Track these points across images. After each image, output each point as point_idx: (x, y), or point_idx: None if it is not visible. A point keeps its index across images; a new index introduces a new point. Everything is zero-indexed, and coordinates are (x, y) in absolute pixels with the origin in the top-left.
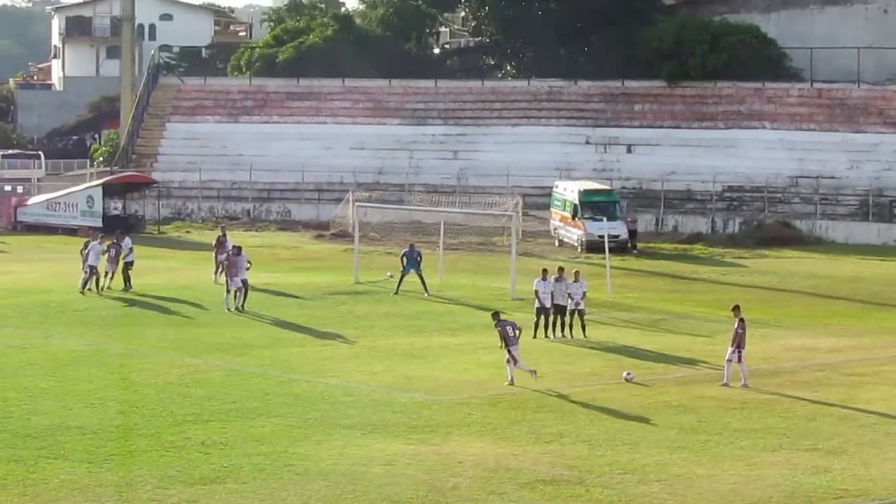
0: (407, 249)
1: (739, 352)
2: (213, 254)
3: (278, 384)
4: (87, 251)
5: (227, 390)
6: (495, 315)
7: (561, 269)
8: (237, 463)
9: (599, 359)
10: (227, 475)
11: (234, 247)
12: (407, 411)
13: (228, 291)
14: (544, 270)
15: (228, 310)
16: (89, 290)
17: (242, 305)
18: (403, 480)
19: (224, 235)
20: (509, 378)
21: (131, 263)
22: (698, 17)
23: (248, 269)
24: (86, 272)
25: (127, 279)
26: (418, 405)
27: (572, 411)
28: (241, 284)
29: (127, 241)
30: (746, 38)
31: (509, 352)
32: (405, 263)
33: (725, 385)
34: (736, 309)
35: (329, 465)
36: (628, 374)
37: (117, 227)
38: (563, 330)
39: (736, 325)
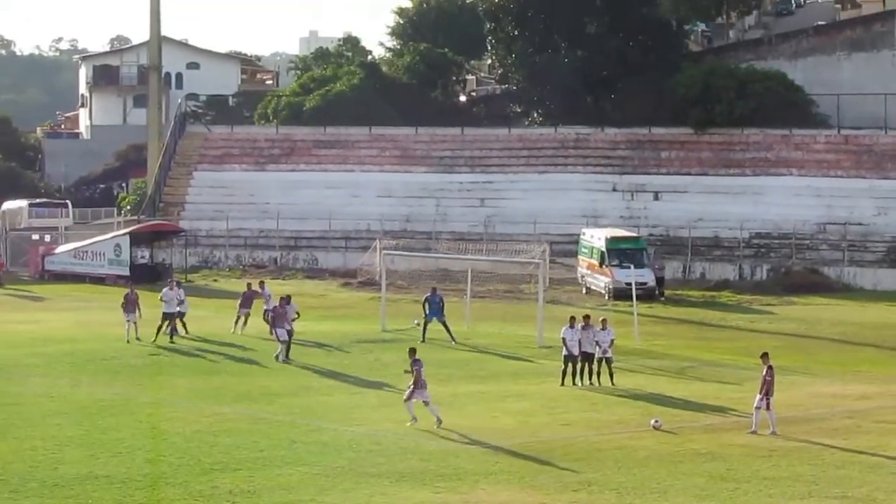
0: (429, 294)
1: (768, 399)
2: (237, 304)
3: (306, 432)
4: (162, 298)
5: (255, 439)
6: (412, 352)
7: (588, 317)
8: None
9: (627, 406)
10: None
11: (283, 297)
12: (435, 459)
13: (282, 342)
14: (572, 318)
15: (281, 360)
16: (167, 335)
17: (286, 356)
18: None
19: (262, 286)
20: (412, 417)
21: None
22: (725, 63)
23: (294, 319)
24: (166, 319)
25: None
26: (446, 453)
27: (600, 459)
28: (286, 336)
29: (267, 290)
30: (773, 84)
31: (413, 394)
32: (428, 310)
33: (754, 432)
34: (765, 356)
35: None
36: (656, 421)
37: (145, 276)
38: (590, 377)
39: (764, 373)
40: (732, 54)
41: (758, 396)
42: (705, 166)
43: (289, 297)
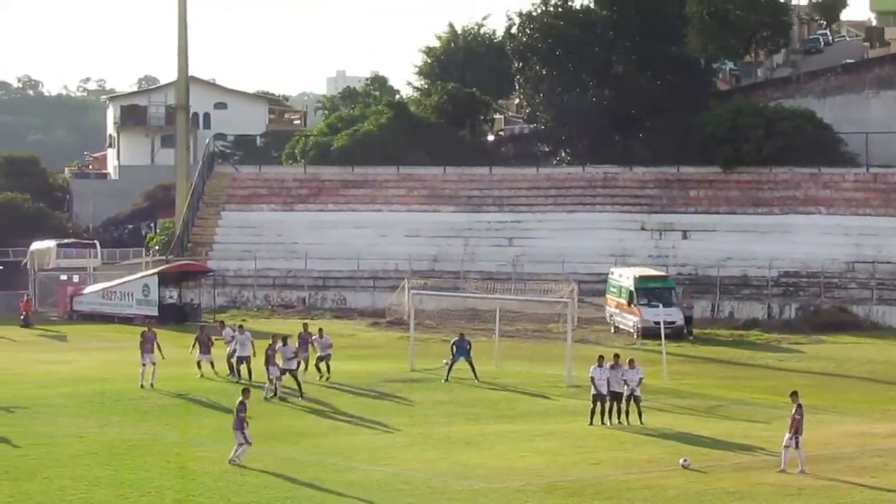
0: (457, 338)
1: (797, 438)
2: (265, 360)
3: (334, 472)
4: (229, 343)
5: (283, 479)
6: (245, 391)
7: (616, 357)
8: None
9: (656, 445)
10: None
11: (277, 336)
12: (463, 499)
13: (272, 379)
14: (600, 357)
15: (267, 397)
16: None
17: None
18: None
19: (222, 326)
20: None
21: (233, 353)
22: (753, 102)
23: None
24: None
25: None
26: (475, 493)
27: (630, 498)
28: (277, 373)
29: (228, 331)
30: (801, 123)
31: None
32: (455, 352)
33: (783, 471)
34: (794, 395)
35: None
36: (685, 460)
37: (173, 316)
38: (619, 416)
39: (794, 411)
40: (760, 93)
41: (787, 435)
42: (734, 205)
43: (285, 337)
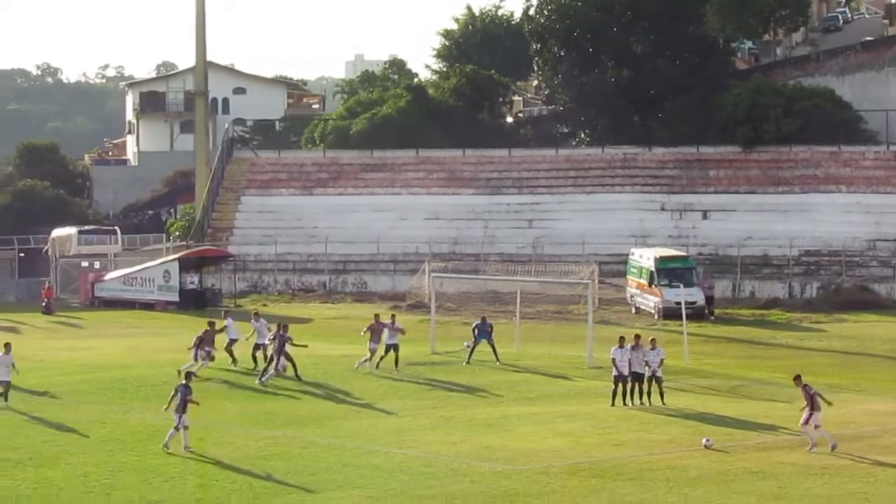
0: (479, 322)
1: (812, 414)
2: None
3: (357, 455)
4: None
5: (306, 462)
6: (187, 377)
7: (637, 337)
8: None
9: (678, 426)
10: None
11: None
12: (486, 481)
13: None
14: (621, 338)
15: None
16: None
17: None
18: None
19: (226, 315)
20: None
21: (235, 341)
22: (772, 81)
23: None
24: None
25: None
26: (497, 475)
27: (652, 479)
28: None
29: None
30: (821, 101)
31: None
32: (476, 335)
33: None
34: (797, 379)
35: None
36: (707, 440)
37: (193, 302)
38: (641, 397)
39: (802, 393)
40: (780, 71)
41: (813, 414)
42: (753, 184)
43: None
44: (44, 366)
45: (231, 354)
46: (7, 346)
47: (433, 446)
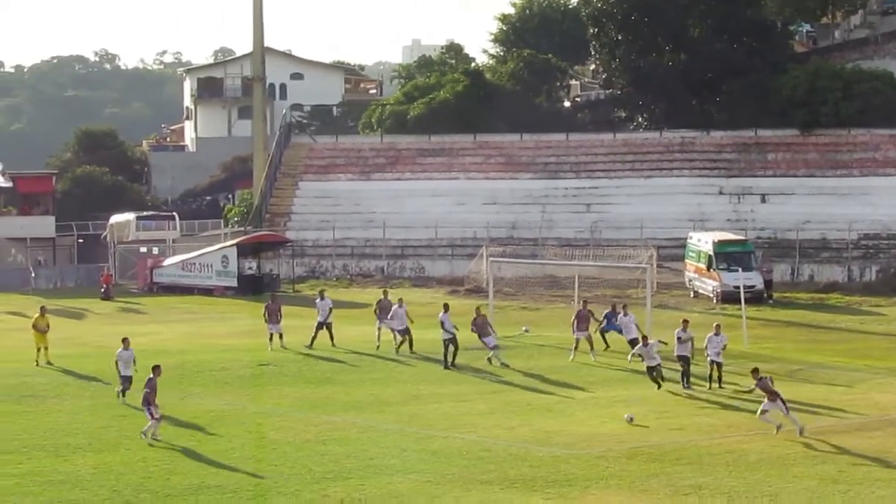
0: (609, 311)
1: (775, 402)
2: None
3: (415, 440)
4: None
5: (365, 447)
6: (154, 369)
7: (685, 322)
8: None
9: (737, 410)
10: None
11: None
12: (545, 466)
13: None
14: (684, 321)
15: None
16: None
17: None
18: None
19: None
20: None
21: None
22: (830, 64)
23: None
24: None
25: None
26: (556, 459)
27: (711, 463)
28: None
29: (327, 301)
30: (880, 84)
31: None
32: (605, 324)
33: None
34: (755, 372)
35: None
36: (629, 416)
37: (251, 287)
38: (686, 382)
39: (759, 386)
40: (838, 54)
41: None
42: (812, 168)
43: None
44: (102, 352)
45: (329, 335)
46: (125, 341)
47: (491, 431)
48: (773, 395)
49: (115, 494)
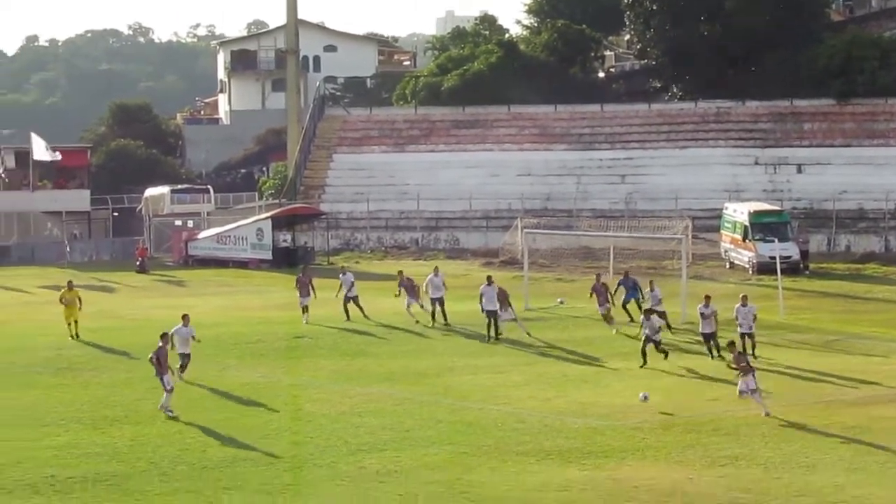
0: (622, 278)
1: (749, 377)
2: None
3: (451, 412)
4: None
5: (401, 419)
6: (163, 336)
7: (707, 297)
8: (412, 491)
9: (773, 381)
10: None
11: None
12: (580, 437)
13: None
14: (707, 297)
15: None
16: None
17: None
18: None
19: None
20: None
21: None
22: (867, 33)
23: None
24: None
25: (347, 311)
26: (591, 431)
27: (747, 434)
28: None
29: (350, 276)
30: None
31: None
32: (626, 294)
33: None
34: (731, 345)
35: (503, 491)
36: (644, 395)
37: (287, 260)
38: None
39: (735, 360)
40: (875, 23)
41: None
42: (848, 137)
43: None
44: (137, 325)
45: (358, 308)
46: (185, 317)
47: (526, 402)
48: (747, 370)
49: (152, 466)
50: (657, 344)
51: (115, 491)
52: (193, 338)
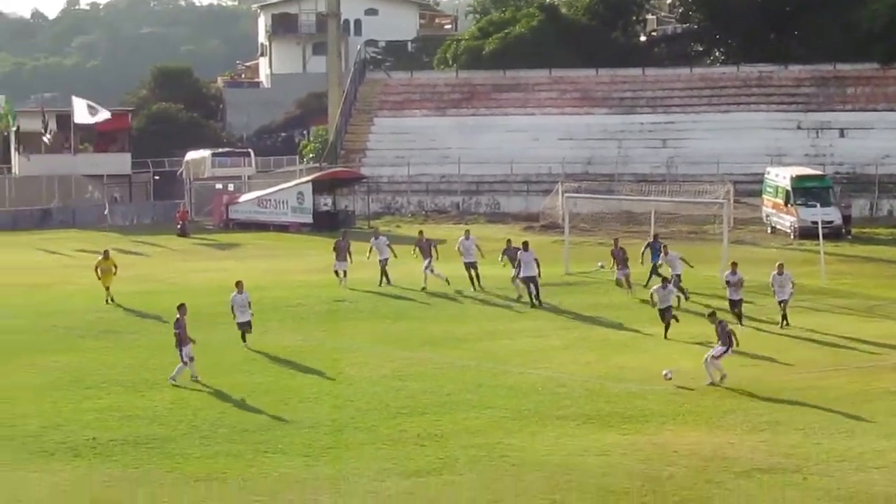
0: (651, 241)
1: (726, 350)
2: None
3: (491, 376)
4: (372, 247)
5: (441, 383)
6: (180, 308)
7: (734, 265)
8: (452, 455)
9: (814, 346)
10: (443, 467)
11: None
12: (620, 401)
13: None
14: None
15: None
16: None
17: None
18: (619, 471)
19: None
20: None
21: (386, 260)
22: None
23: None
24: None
25: (388, 276)
26: (631, 395)
27: (790, 399)
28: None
29: (383, 239)
30: None
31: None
32: (652, 256)
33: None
34: (712, 315)
35: (544, 455)
36: (667, 373)
37: (327, 224)
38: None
39: (717, 330)
40: None
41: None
42: (892, 101)
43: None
44: (179, 288)
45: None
46: (239, 284)
47: (567, 367)
48: (727, 341)
49: (192, 429)
50: (664, 314)
51: (155, 454)
52: (250, 304)
